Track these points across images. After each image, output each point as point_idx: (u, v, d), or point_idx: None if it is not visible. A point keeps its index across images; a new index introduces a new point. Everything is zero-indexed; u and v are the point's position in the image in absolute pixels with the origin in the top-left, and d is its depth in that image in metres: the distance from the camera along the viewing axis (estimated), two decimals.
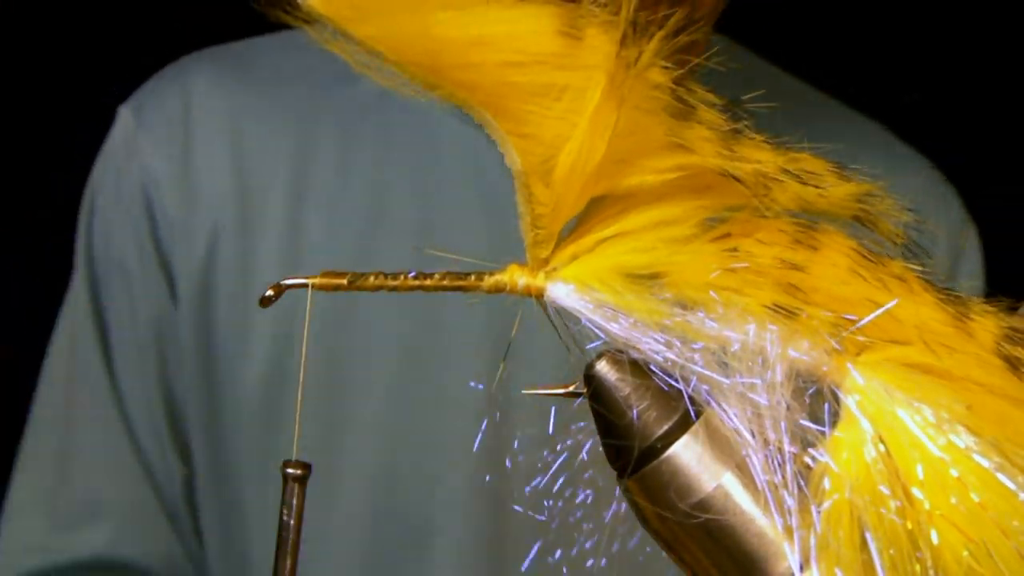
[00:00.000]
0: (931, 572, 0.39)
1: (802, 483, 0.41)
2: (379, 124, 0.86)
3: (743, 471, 0.42)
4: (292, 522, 0.44)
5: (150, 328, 0.87)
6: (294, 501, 0.44)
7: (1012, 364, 0.43)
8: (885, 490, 0.40)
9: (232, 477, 0.87)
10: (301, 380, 0.47)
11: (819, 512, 0.40)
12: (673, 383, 0.42)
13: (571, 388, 0.45)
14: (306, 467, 0.45)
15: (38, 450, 0.91)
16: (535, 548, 0.65)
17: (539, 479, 0.52)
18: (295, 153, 0.86)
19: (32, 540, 0.88)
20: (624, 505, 0.45)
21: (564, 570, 0.64)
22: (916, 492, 0.40)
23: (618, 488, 0.44)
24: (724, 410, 0.42)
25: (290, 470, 0.44)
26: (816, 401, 0.42)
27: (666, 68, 0.41)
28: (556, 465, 0.52)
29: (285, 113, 0.87)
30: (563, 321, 0.44)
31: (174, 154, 0.87)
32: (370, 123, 0.86)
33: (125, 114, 0.89)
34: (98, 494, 0.88)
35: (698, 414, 0.42)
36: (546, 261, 0.44)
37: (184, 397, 0.88)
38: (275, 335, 0.84)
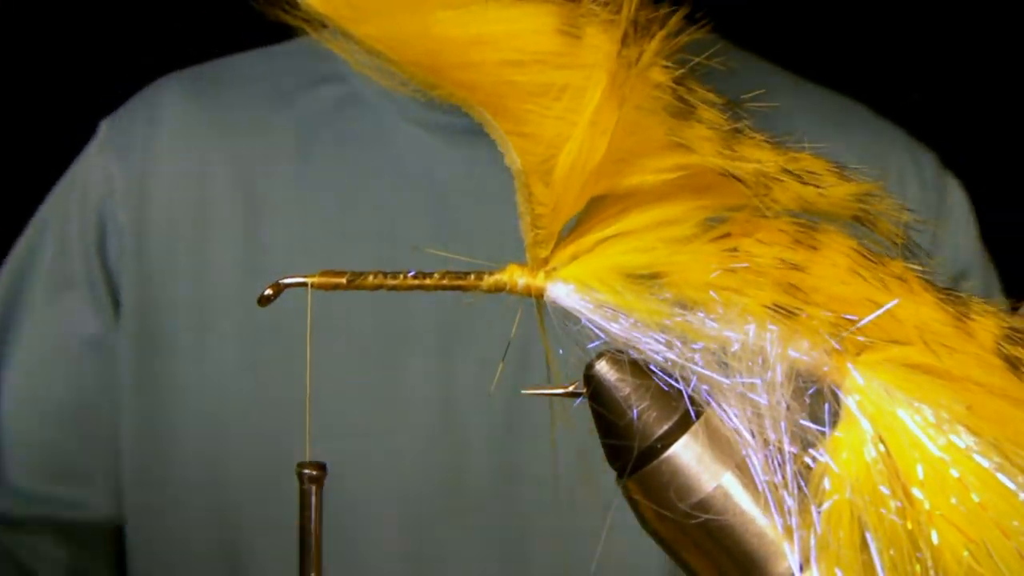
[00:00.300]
0: (931, 572, 0.39)
1: (802, 483, 0.41)
2: (337, 132, 0.87)
3: (743, 471, 0.42)
4: (312, 524, 0.44)
5: (76, 345, 0.88)
6: (312, 501, 0.44)
7: (1012, 364, 0.43)
8: (885, 490, 0.40)
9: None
10: (308, 382, 0.47)
11: (819, 512, 0.40)
12: (673, 383, 0.42)
13: (571, 388, 0.45)
14: (321, 467, 0.45)
15: None
16: None
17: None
18: (253, 165, 0.87)
19: None
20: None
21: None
22: (916, 492, 0.40)
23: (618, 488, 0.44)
24: (724, 410, 0.42)
25: (306, 471, 0.44)
26: (816, 401, 0.42)
27: (667, 67, 0.41)
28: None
29: (246, 126, 0.88)
30: (562, 321, 0.44)
31: (134, 166, 0.88)
32: (328, 131, 0.87)
33: (101, 127, 0.92)
34: None
35: (698, 414, 0.42)
36: (546, 261, 0.44)
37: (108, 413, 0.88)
38: (239, 340, 0.85)
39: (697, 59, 0.42)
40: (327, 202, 0.85)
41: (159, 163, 0.88)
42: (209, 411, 0.85)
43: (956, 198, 0.93)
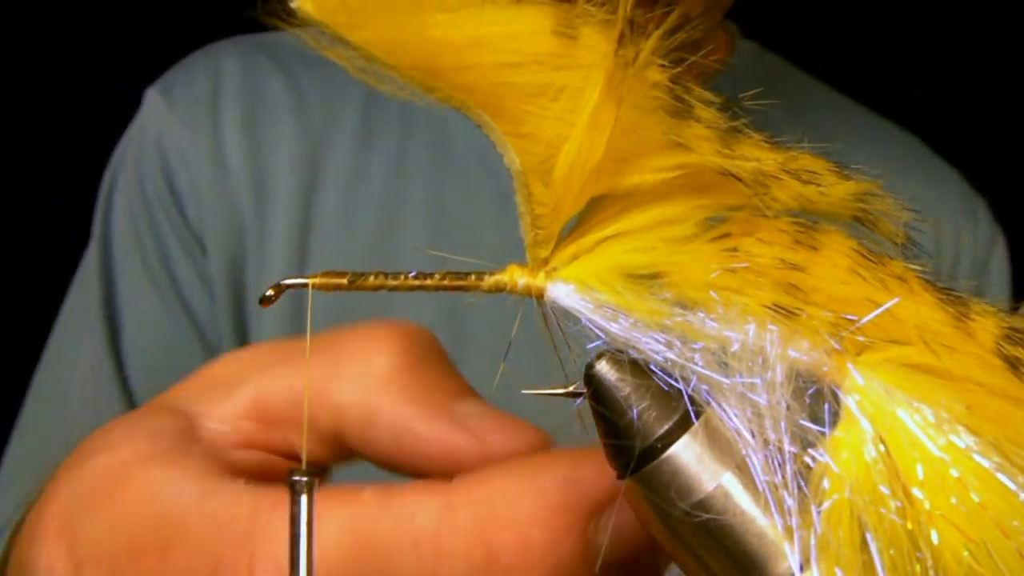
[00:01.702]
0: (931, 572, 0.39)
1: (802, 483, 0.41)
2: (402, 116, 0.87)
3: (743, 471, 0.42)
4: (304, 530, 0.44)
5: (180, 289, 0.89)
6: (303, 510, 0.44)
7: (1012, 364, 0.43)
8: (885, 490, 0.40)
9: None
10: (307, 384, 0.47)
11: (819, 512, 0.40)
12: (673, 383, 0.42)
13: (571, 388, 0.45)
14: (313, 474, 0.44)
15: (37, 420, 0.92)
16: None
17: None
18: (315, 139, 0.87)
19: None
20: None
21: None
22: (916, 492, 0.40)
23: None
24: (724, 410, 0.42)
25: (296, 478, 0.44)
26: (816, 401, 0.42)
27: (664, 67, 0.41)
28: None
29: (310, 99, 0.89)
30: (562, 321, 0.44)
31: (202, 133, 0.89)
32: (393, 113, 0.87)
33: (153, 95, 0.92)
34: None
35: (698, 414, 0.42)
36: (546, 261, 0.44)
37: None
38: (284, 318, 0.85)
39: (693, 59, 0.42)
40: (381, 188, 0.86)
41: (228, 129, 0.88)
42: None
43: (1000, 253, 0.94)
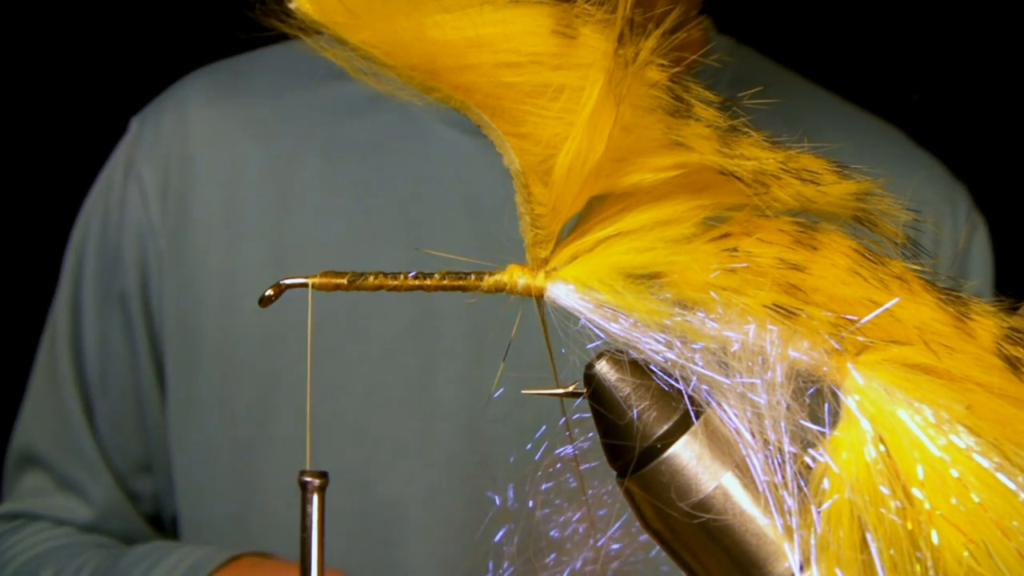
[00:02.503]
0: (931, 572, 0.39)
1: (802, 483, 0.41)
2: (367, 128, 0.86)
3: (743, 471, 0.42)
4: (315, 530, 0.44)
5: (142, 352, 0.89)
6: (314, 509, 0.44)
7: (1012, 364, 0.43)
8: (885, 490, 0.40)
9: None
10: (308, 386, 0.47)
11: (819, 512, 0.40)
12: (673, 383, 0.42)
13: (571, 388, 0.45)
14: (323, 476, 0.45)
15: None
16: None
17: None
18: (282, 163, 0.87)
19: None
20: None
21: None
22: (916, 492, 0.40)
23: (618, 488, 0.44)
24: (724, 410, 0.42)
25: (307, 479, 0.44)
26: (816, 401, 0.42)
27: (662, 66, 0.41)
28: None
29: (275, 122, 0.88)
30: (561, 321, 0.44)
31: (168, 166, 0.88)
32: (358, 126, 0.87)
33: (132, 126, 0.92)
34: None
35: (698, 414, 0.42)
36: (546, 261, 0.44)
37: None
38: (265, 336, 0.85)
39: (691, 56, 0.42)
40: (353, 201, 0.85)
41: (192, 164, 0.88)
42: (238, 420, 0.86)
43: (980, 239, 0.94)
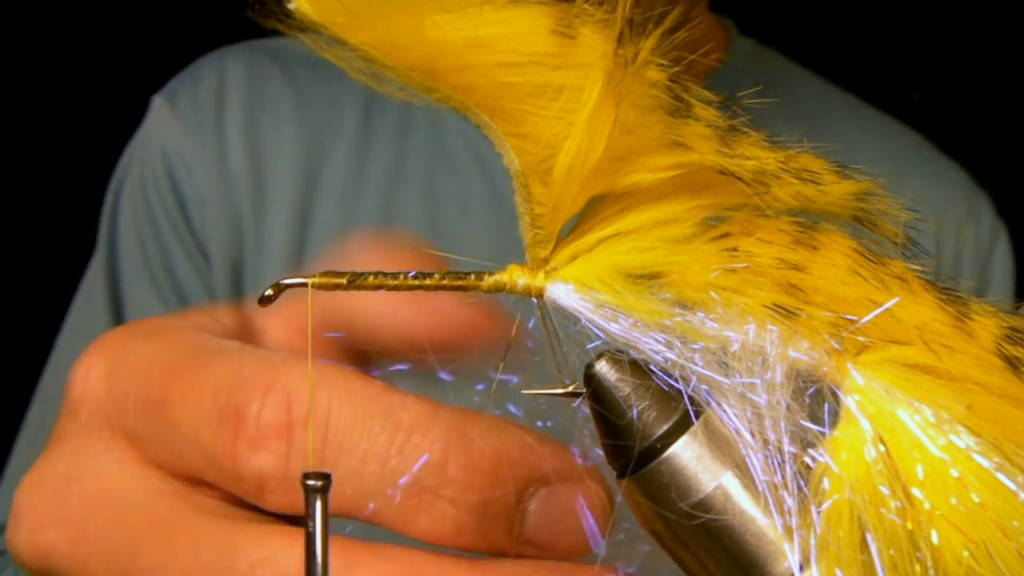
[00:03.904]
0: (931, 572, 0.39)
1: (802, 483, 0.41)
2: (401, 119, 0.87)
3: (743, 471, 0.42)
4: (319, 533, 0.44)
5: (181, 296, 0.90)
6: (317, 512, 0.44)
7: (1012, 364, 0.43)
8: (885, 490, 0.40)
9: None
10: (309, 386, 0.47)
11: (819, 512, 0.40)
12: (673, 383, 0.42)
13: (571, 388, 0.45)
14: (327, 477, 0.44)
15: (43, 423, 0.93)
16: None
17: None
18: (315, 142, 0.88)
19: None
20: None
21: None
22: (916, 492, 0.40)
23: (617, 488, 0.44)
24: (724, 410, 0.42)
25: (310, 482, 0.44)
26: (816, 401, 0.42)
27: (662, 66, 0.41)
28: None
29: (311, 102, 0.89)
30: (561, 321, 0.44)
31: (206, 138, 0.89)
32: (392, 117, 0.87)
33: (158, 102, 0.93)
34: None
35: (698, 414, 0.42)
36: (546, 261, 0.44)
37: None
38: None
39: (692, 56, 0.42)
40: (378, 189, 0.86)
41: (232, 137, 0.89)
42: None
43: (1002, 248, 0.94)
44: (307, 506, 0.44)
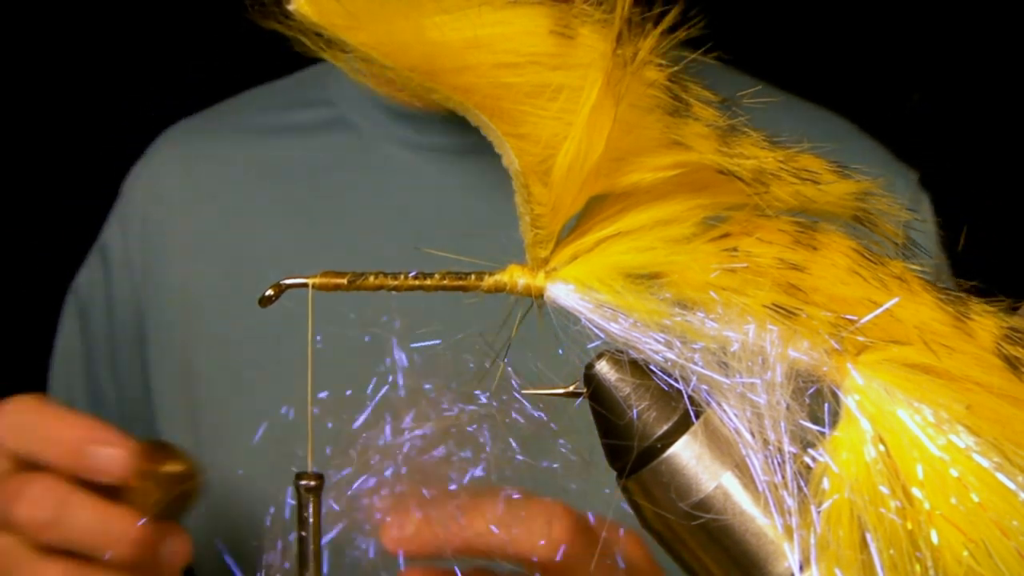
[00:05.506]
0: (931, 572, 0.39)
1: (802, 483, 0.41)
2: (318, 153, 0.87)
3: (743, 471, 0.42)
4: (311, 532, 0.44)
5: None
6: (310, 512, 0.44)
7: (1012, 364, 0.43)
8: (885, 490, 0.40)
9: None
10: (309, 389, 0.47)
11: (819, 512, 0.40)
12: (673, 383, 0.42)
13: (571, 388, 0.45)
14: (319, 477, 0.44)
15: None
16: None
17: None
18: (240, 193, 0.88)
19: None
20: None
21: None
22: (916, 492, 0.40)
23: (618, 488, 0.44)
24: (724, 410, 0.42)
25: (303, 482, 0.44)
26: (816, 401, 0.42)
27: (661, 65, 0.41)
28: None
29: (237, 159, 0.90)
30: (563, 321, 0.44)
31: (134, 237, 0.91)
32: (308, 152, 0.88)
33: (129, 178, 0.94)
34: None
35: (698, 414, 0.42)
36: (546, 261, 0.44)
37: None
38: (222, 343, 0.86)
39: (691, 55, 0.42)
40: (302, 223, 0.86)
41: (160, 237, 0.90)
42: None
43: (924, 213, 0.93)
44: (300, 507, 0.44)
